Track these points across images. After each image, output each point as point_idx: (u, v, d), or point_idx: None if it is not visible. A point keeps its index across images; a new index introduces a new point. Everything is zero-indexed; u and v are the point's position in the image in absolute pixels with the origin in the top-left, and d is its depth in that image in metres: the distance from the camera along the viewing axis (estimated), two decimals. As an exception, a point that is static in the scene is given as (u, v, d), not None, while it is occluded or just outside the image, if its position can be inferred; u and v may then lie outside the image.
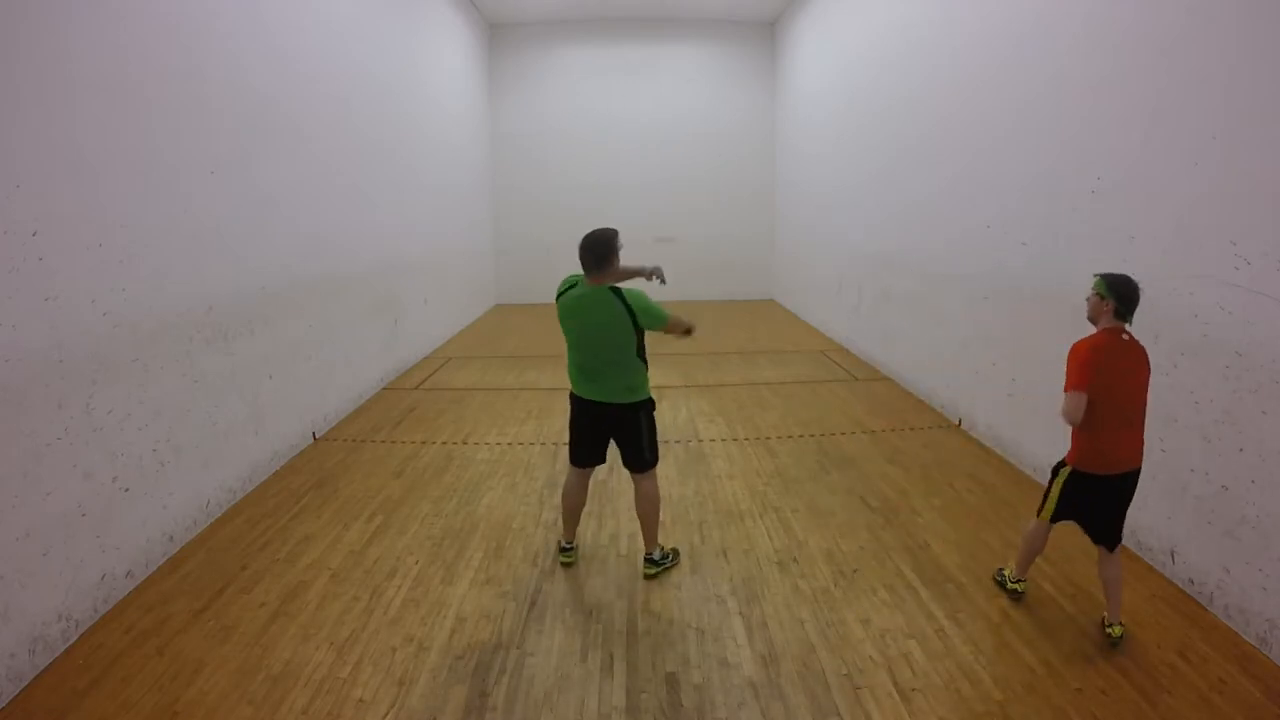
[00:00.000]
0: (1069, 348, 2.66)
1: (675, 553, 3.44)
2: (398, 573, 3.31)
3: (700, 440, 5.08)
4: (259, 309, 4.44)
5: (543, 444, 5.04)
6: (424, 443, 5.09)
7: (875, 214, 7.32)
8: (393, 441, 5.12)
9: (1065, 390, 2.59)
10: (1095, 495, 2.72)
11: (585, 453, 3.31)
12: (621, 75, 11.85)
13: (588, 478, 3.40)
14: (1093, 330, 2.71)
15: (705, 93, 11.96)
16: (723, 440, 5.07)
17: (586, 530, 3.70)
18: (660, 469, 4.45)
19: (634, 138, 12.01)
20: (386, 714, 2.41)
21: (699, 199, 12.11)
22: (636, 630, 2.86)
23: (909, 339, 6.39)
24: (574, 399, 3.26)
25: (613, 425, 3.20)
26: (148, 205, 3.40)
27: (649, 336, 3.12)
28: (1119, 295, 2.61)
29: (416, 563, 3.40)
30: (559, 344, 3.36)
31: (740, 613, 2.97)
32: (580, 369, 3.17)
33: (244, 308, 4.26)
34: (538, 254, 12.26)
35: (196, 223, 3.79)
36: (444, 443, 5.09)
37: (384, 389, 6.62)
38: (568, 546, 3.41)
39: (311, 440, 5.13)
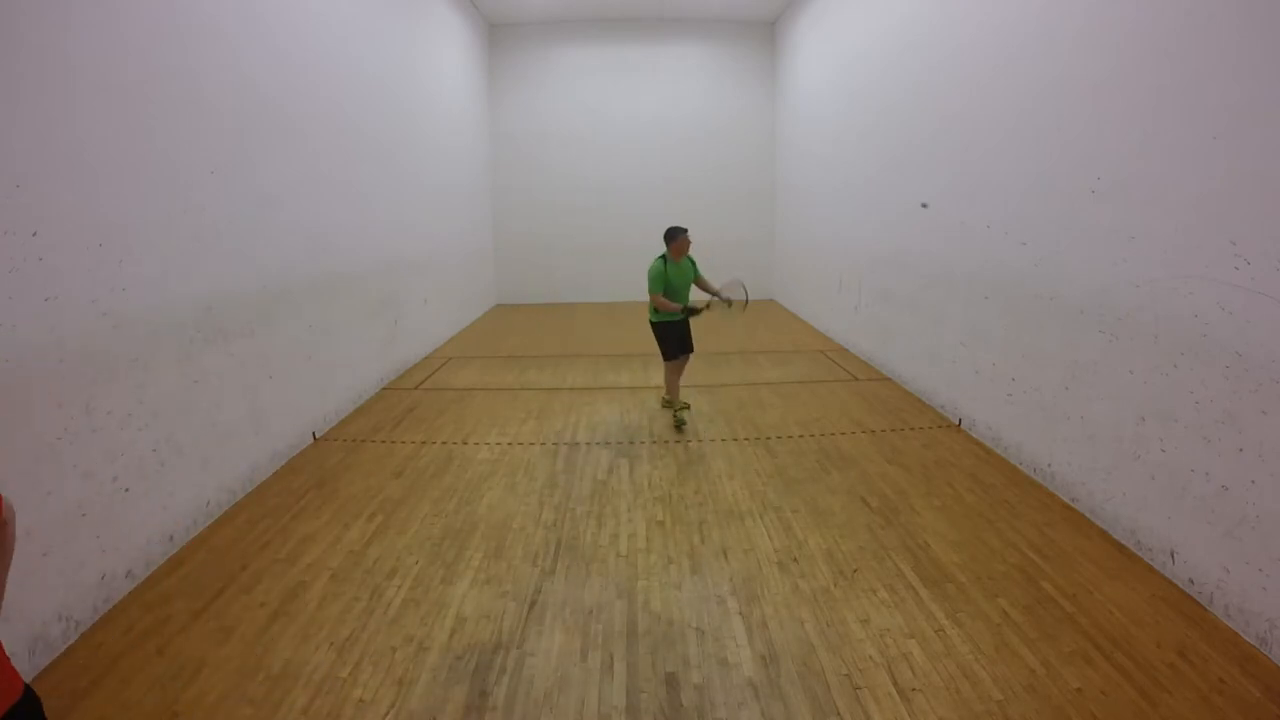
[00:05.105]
0: None
1: (685, 406, 5.56)
2: (398, 573, 3.31)
3: (700, 440, 5.08)
4: (259, 309, 4.44)
5: (543, 444, 5.04)
6: (424, 443, 5.09)
7: (875, 214, 7.31)
8: (393, 441, 5.12)
9: None
10: None
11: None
12: (621, 75, 11.84)
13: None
14: None
15: (705, 92, 11.95)
16: (723, 440, 5.07)
17: (586, 530, 3.71)
18: (660, 470, 4.54)
19: (634, 137, 12.01)
20: (386, 714, 2.41)
21: (699, 199, 12.09)
22: (636, 630, 2.86)
23: (909, 339, 6.39)
24: None
25: None
26: (148, 205, 3.40)
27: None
28: None
29: (416, 563, 3.40)
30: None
31: (740, 613, 2.97)
32: None
33: (244, 308, 4.27)
34: (538, 254, 12.28)
35: (196, 223, 3.79)
36: (444, 443, 5.09)
37: (384, 389, 6.62)
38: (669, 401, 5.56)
39: (311, 440, 5.13)
